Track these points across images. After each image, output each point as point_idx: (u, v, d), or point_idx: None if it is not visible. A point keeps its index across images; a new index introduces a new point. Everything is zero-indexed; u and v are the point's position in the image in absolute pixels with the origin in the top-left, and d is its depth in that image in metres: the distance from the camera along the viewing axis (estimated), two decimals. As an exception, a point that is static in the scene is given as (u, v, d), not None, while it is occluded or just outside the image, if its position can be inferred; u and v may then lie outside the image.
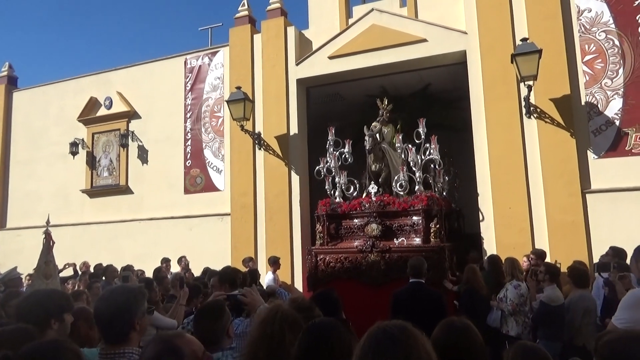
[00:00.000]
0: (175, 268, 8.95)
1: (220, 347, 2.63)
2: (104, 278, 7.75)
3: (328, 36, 9.42)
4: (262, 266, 8.81)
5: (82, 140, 11.80)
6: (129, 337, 2.14)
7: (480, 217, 8.00)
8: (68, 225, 11.35)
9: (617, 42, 7.60)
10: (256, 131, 9.70)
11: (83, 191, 11.68)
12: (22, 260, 9.36)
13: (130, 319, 2.15)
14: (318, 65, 9.44)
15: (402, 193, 7.44)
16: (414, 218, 7.22)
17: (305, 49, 9.78)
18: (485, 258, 7.14)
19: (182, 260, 9.03)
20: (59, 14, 33.26)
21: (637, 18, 7.54)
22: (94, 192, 11.61)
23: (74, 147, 11.61)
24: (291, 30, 9.79)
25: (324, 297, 3.12)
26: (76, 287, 7.45)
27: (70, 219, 11.61)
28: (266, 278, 8.21)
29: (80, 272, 9.24)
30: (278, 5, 10.03)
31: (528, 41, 7.36)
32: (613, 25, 7.66)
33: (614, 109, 7.48)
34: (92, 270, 8.98)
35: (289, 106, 9.59)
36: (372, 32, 8.99)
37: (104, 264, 8.64)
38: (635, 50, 7.49)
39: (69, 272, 9.23)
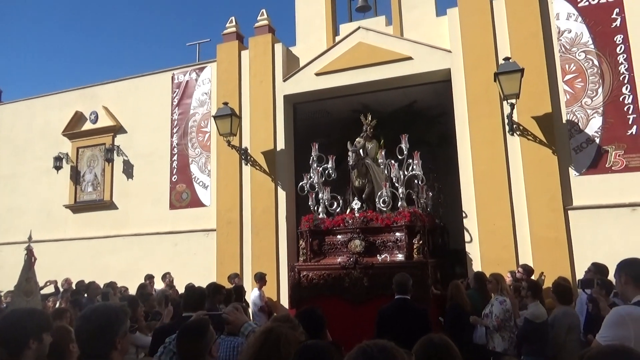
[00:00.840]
0: (159, 284, 8.83)
1: None
2: (86, 295, 7.62)
3: (315, 53, 9.52)
4: (248, 282, 8.73)
5: (67, 154, 11.68)
6: (110, 356, 2.11)
7: (465, 233, 8.06)
8: (50, 241, 11.16)
9: (596, 62, 7.81)
10: (243, 147, 9.71)
11: (66, 206, 11.51)
12: (2, 277, 9.18)
13: (111, 338, 2.11)
14: (305, 82, 9.52)
15: (385, 209, 7.47)
16: (397, 234, 7.21)
17: (292, 66, 9.87)
18: (471, 275, 7.18)
19: (166, 276, 8.92)
20: (46, 29, 33.15)
21: (615, 39, 7.77)
22: (77, 207, 11.46)
23: (58, 162, 11.47)
24: (279, 47, 9.88)
25: (309, 315, 3.10)
26: (57, 304, 7.31)
27: (52, 234, 11.42)
28: (252, 295, 8.14)
29: (61, 290, 9.07)
30: (266, 22, 10.13)
31: (510, 60, 7.53)
32: (592, 46, 7.88)
33: (594, 127, 7.65)
34: (74, 287, 8.82)
35: (275, 122, 9.63)
36: (359, 49, 9.12)
37: (87, 281, 8.50)
38: (614, 70, 7.69)
39: (50, 289, 9.05)
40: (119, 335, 2.14)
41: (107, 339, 2.10)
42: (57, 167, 11.47)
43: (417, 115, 10.54)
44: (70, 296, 7.49)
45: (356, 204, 7.71)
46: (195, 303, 4.04)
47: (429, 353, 1.96)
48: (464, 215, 8.09)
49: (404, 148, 7.68)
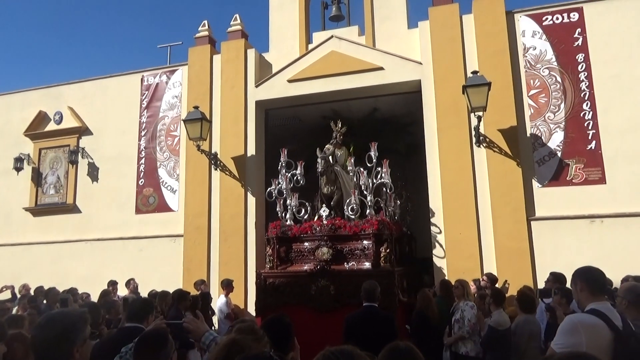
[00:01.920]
0: (123, 291, 8.60)
1: None
2: (45, 301, 7.34)
3: (288, 60, 9.55)
4: (215, 289, 8.61)
5: (28, 155, 11.27)
6: None
7: (432, 242, 8.19)
8: (8, 245, 10.75)
9: (559, 79, 8.12)
10: (213, 151, 9.61)
11: (26, 209, 11.10)
12: (-45, 282, 8.74)
13: (68, 347, 2.04)
14: (277, 88, 9.52)
15: (353, 217, 7.43)
16: (365, 242, 7.13)
17: (265, 72, 9.86)
18: (437, 283, 7.28)
19: (130, 282, 8.69)
20: (12, 28, 32.02)
21: (576, 57, 8.10)
22: (38, 210, 11.06)
23: (18, 163, 11.05)
24: (251, 53, 9.86)
25: (276, 324, 3.05)
26: (14, 311, 7.03)
27: (10, 238, 11.00)
28: (218, 301, 8.03)
29: (19, 295, 8.71)
30: (239, 27, 10.10)
31: (478, 74, 7.74)
32: (555, 63, 8.19)
33: (556, 141, 7.94)
34: (32, 293, 8.49)
35: (246, 127, 9.58)
36: (331, 58, 9.20)
37: (46, 287, 8.20)
38: (575, 87, 8.02)
39: (6, 295, 8.69)
40: (76, 344, 2.07)
41: (64, 348, 2.03)
42: (18, 169, 11.05)
43: (387, 123, 10.66)
44: (28, 302, 7.19)
45: (324, 211, 7.61)
46: (139, 313, 3.72)
47: (394, 359, 1.97)
48: (431, 223, 8.23)
49: (373, 156, 7.67)
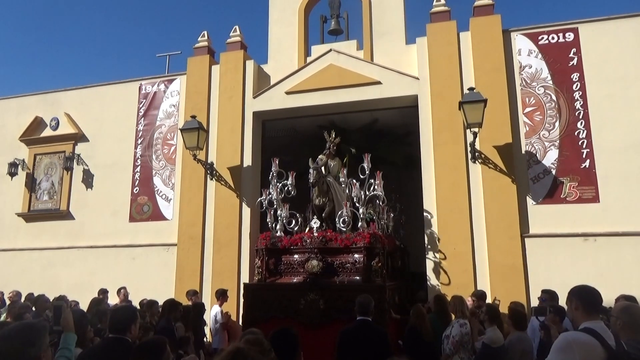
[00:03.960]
0: (114, 299, 8.51)
1: None
2: (34, 309, 7.24)
3: (286, 72, 9.61)
4: (207, 299, 8.54)
5: (23, 161, 11.22)
6: None
7: (426, 256, 8.18)
8: (-1, 251, 10.64)
9: (554, 97, 8.21)
10: (209, 161, 9.60)
11: (19, 215, 11.02)
12: (-57, 287, 8.62)
13: (35, 354, 2.15)
14: (275, 100, 9.57)
15: (345, 229, 7.20)
16: (356, 256, 6.91)
17: (263, 83, 9.91)
18: (432, 298, 7.21)
19: (121, 291, 8.61)
20: (10, 34, 32.07)
21: (572, 77, 8.21)
22: (31, 216, 10.98)
23: (13, 168, 11.00)
24: (250, 64, 9.92)
25: (283, 336, 3.03)
26: (2, 317, 6.93)
27: (1, 243, 10.91)
28: (212, 311, 7.96)
29: (7, 302, 8.60)
30: (238, 38, 10.17)
31: (475, 90, 7.81)
32: (551, 82, 8.29)
33: (550, 159, 8.00)
34: (22, 300, 8.38)
35: (243, 138, 9.60)
36: (329, 71, 9.27)
37: (36, 294, 8.10)
38: (570, 106, 8.11)
39: (-5, 301, 8.58)
40: (42, 350, 2.18)
41: (32, 354, 2.14)
42: (12, 174, 10.99)
43: (383, 134, 10.66)
44: (14, 319, 7.07)
45: (315, 223, 7.37)
46: (122, 322, 3.49)
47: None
48: (425, 237, 8.22)
49: (366, 167, 7.46)
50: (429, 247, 8.20)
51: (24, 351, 2.12)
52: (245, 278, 8.88)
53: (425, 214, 8.32)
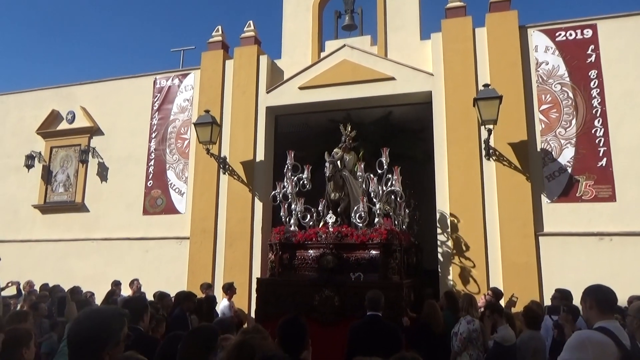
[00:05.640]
0: (127, 291, 8.62)
1: None
2: (50, 299, 7.37)
3: (300, 67, 9.60)
4: (219, 293, 8.58)
5: (40, 153, 11.39)
6: None
7: (439, 254, 8.13)
8: (15, 242, 10.83)
9: (571, 95, 8.09)
10: (222, 155, 9.65)
11: (35, 206, 11.19)
12: (-38, 276, 8.79)
13: (97, 348, 1.94)
14: (288, 95, 9.57)
15: (361, 225, 7.06)
16: (372, 252, 6.78)
17: (276, 78, 9.91)
18: (442, 294, 7.17)
19: (134, 283, 8.72)
20: (27, 29, 32.50)
21: (589, 74, 8.07)
22: (46, 208, 11.15)
23: (29, 160, 11.18)
24: (264, 59, 9.93)
25: (291, 324, 3.00)
26: (18, 307, 7.07)
27: (18, 235, 11.09)
28: (221, 305, 8.00)
29: (24, 292, 8.77)
30: (252, 33, 10.18)
31: (490, 87, 7.73)
32: (568, 79, 8.17)
33: (566, 156, 7.89)
34: (37, 289, 8.54)
35: (256, 133, 9.62)
36: (343, 66, 9.24)
37: (51, 284, 8.24)
38: (587, 104, 7.98)
39: (12, 290, 8.74)
40: (107, 347, 1.96)
41: (93, 348, 1.93)
42: (29, 166, 11.17)
43: (396, 128, 10.57)
44: (30, 308, 7.20)
45: (331, 218, 7.24)
46: (134, 313, 3.57)
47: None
48: (438, 235, 8.17)
49: (384, 162, 7.27)
50: (441, 244, 8.15)
51: (88, 343, 1.94)
52: (257, 272, 8.92)
53: (438, 210, 8.27)
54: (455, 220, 8.03)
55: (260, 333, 2.69)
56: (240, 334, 2.70)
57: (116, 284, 8.49)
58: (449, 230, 8.05)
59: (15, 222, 11.25)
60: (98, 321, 2.01)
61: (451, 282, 7.84)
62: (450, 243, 8.01)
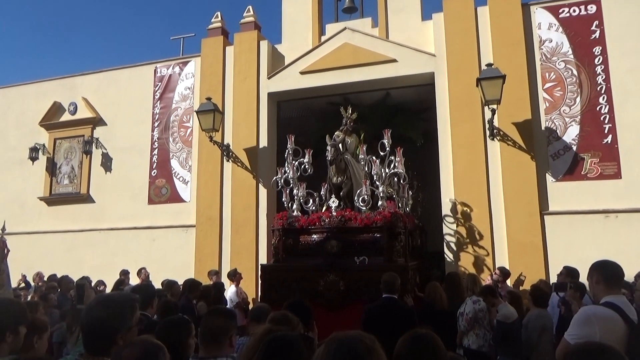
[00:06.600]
0: (135, 280, 8.69)
1: (223, 352, 2.55)
2: (59, 290, 7.44)
3: (300, 52, 9.52)
4: (226, 280, 8.66)
5: (43, 145, 11.41)
6: (109, 352, 1.98)
7: (444, 235, 8.13)
8: (22, 234, 10.90)
9: (575, 72, 8.00)
10: (225, 143, 9.64)
11: (41, 198, 11.25)
12: (-29, 268, 8.86)
13: (110, 333, 1.98)
14: (289, 80, 9.51)
15: (364, 208, 7.00)
16: (377, 235, 6.71)
17: (277, 63, 9.85)
18: (445, 275, 7.17)
19: (141, 271, 8.78)
20: (25, 19, 32.29)
21: (593, 50, 7.97)
22: (52, 199, 11.20)
23: (33, 153, 11.21)
24: (264, 44, 9.85)
25: (297, 306, 3.21)
26: (29, 298, 7.15)
27: (25, 227, 11.14)
28: (229, 291, 8.06)
29: (32, 283, 8.85)
30: (252, 19, 10.09)
31: (493, 66, 7.65)
32: (572, 56, 8.07)
33: (571, 135, 7.84)
34: (45, 280, 8.62)
35: (259, 119, 9.60)
36: (344, 50, 9.15)
37: (59, 275, 8.31)
38: (592, 81, 7.89)
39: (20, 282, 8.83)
40: (120, 332, 1.99)
41: (107, 333, 1.98)
42: (33, 158, 11.20)
43: (400, 110, 10.47)
44: (40, 299, 7.28)
45: (333, 202, 7.13)
46: (143, 300, 3.58)
47: (416, 345, 1.98)
48: (443, 216, 8.17)
49: (386, 144, 7.15)
50: (446, 225, 8.15)
51: (102, 327, 1.99)
52: (263, 258, 8.97)
53: (442, 191, 8.26)
54: (460, 201, 8.01)
55: (290, 323, 2.72)
56: (268, 323, 2.70)
57: (124, 273, 8.56)
58: (454, 211, 8.04)
59: (22, 215, 11.31)
60: (111, 307, 2.04)
61: (457, 263, 7.85)
62: (455, 224, 8.01)
